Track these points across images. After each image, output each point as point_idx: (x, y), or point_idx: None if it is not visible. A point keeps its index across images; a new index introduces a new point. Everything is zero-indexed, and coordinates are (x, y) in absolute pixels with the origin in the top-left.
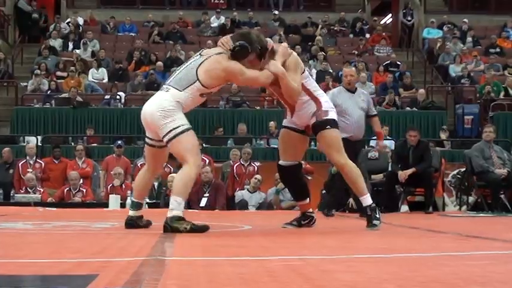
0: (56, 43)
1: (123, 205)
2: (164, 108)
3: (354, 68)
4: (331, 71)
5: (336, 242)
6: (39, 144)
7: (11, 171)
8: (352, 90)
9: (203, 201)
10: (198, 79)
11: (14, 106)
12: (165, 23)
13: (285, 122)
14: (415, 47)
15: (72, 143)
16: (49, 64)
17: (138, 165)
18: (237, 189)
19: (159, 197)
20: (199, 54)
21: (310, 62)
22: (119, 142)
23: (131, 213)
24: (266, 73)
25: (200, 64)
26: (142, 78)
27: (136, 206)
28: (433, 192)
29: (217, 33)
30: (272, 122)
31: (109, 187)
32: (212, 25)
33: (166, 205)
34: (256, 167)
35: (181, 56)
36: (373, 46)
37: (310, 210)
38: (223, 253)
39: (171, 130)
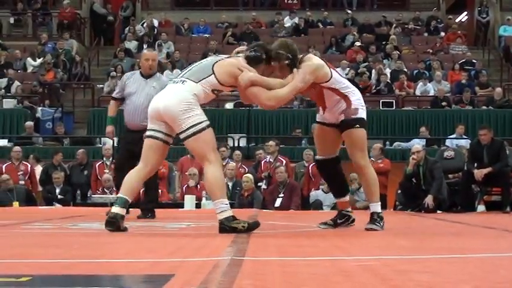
0: (131, 45)
1: (198, 205)
2: (184, 100)
3: (155, 51)
4: (405, 70)
5: (411, 242)
6: (116, 145)
7: (85, 172)
8: (147, 76)
9: (278, 202)
10: (213, 73)
11: (91, 108)
12: (238, 23)
13: (317, 118)
14: (491, 45)
15: None
16: (125, 66)
17: None
18: (312, 189)
19: (234, 197)
20: (216, 55)
21: (385, 61)
22: None
23: (116, 210)
24: (270, 94)
25: (217, 61)
26: None
27: (124, 203)
28: (511, 191)
29: (291, 33)
30: None
31: (184, 188)
32: (286, 25)
33: (241, 205)
34: None
35: None
36: (448, 44)
37: (349, 209)
38: (298, 253)
39: (191, 126)
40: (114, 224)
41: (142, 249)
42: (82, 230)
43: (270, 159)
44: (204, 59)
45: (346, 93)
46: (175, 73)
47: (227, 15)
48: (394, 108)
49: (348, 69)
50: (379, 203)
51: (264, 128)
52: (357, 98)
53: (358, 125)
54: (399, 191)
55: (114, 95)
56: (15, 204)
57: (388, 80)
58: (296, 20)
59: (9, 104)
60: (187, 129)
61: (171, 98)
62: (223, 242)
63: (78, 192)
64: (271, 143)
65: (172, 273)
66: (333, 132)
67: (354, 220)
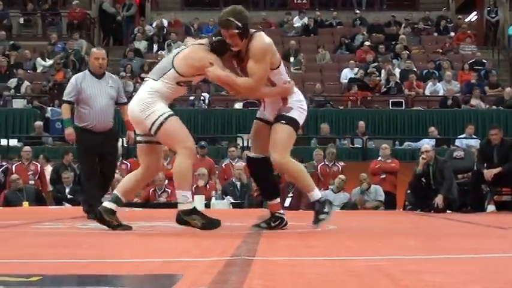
0: (141, 45)
1: (207, 205)
2: (143, 100)
3: (104, 50)
4: (415, 69)
5: (421, 242)
6: (125, 145)
7: None
8: (99, 76)
9: (287, 202)
10: (173, 67)
11: None
12: (248, 23)
13: (258, 114)
14: (501, 45)
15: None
16: (134, 66)
17: (223, 166)
18: (321, 189)
19: (243, 197)
20: (185, 45)
21: (394, 61)
22: (203, 143)
23: (105, 203)
24: (241, 80)
25: (176, 54)
26: None
27: (115, 198)
28: None
29: (301, 33)
30: (362, 122)
31: (193, 188)
32: (295, 25)
33: (251, 205)
34: (340, 167)
35: None
36: (458, 44)
37: (281, 211)
38: (307, 253)
39: (152, 123)
40: (100, 218)
41: (151, 249)
42: (92, 230)
43: None
44: (169, 53)
45: None
46: None
47: None
48: (403, 108)
49: (357, 69)
50: (315, 188)
51: None
52: (296, 100)
53: (284, 121)
54: (409, 191)
55: (68, 98)
56: (25, 204)
57: (398, 80)
58: (306, 20)
59: (18, 104)
60: (151, 127)
61: (132, 102)
62: (233, 241)
63: None
64: None
65: (181, 274)
66: (268, 131)
67: (287, 223)
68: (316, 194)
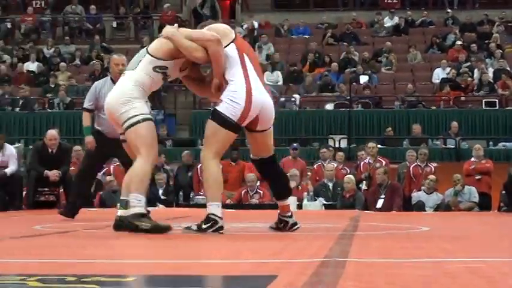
0: None
1: (299, 206)
2: (125, 93)
3: (124, 57)
4: (508, 69)
5: None
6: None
7: (189, 173)
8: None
9: (379, 203)
10: (147, 52)
11: (192, 110)
12: (338, 24)
13: None
14: None
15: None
16: None
17: (314, 167)
18: (414, 190)
19: (335, 198)
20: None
21: (487, 60)
22: (294, 145)
23: (120, 213)
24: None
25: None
26: (316, 80)
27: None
28: None
29: (391, 33)
30: (455, 122)
31: None
32: (386, 25)
33: (343, 206)
34: (433, 168)
35: (355, 57)
36: None
37: (288, 214)
38: (401, 255)
39: (129, 118)
40: (121, 227)
41: (246, 250)
42: (185, 232)
43: (370, 160)
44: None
45: (228, 81)
46: (275, 75)
47: (327, 16)
48: (497, 107)
49: (449, 68)
50: (216, 203)
51: (364, 129)
52: (230, 90)
53: (211, 116)
54: (503, 192)
55: (87, 106)
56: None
57: (491, 79)
58: (396, 19)
59: None
60: (124, 122)
61: (113, 93)
62: (326, 243)
63: (181, 193)
64: (372, 144)
65: (275, 274)
66: (248, 135)
67: (295, 225)
68: (214, 209)
